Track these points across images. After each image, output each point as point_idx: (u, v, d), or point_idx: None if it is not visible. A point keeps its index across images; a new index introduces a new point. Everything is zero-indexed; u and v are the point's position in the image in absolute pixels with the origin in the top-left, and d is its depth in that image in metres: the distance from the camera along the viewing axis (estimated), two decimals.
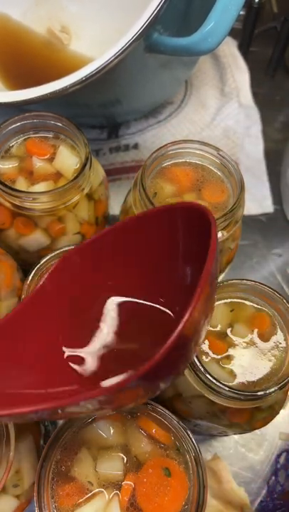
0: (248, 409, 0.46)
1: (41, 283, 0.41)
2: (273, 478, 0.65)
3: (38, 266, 0.48)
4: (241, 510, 0.58)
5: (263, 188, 0.88)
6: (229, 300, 0.49)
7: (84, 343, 0.43)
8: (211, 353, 0.46)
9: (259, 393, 0.41)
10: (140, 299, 0.44)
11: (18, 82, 0.73)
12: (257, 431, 0.68)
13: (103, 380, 0.39)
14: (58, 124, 0.58)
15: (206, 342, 0.46)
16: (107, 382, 0.39)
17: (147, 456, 0.43)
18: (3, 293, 0.54)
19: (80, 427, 0.44)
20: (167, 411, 0.44)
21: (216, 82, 0.97)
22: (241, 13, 1.07)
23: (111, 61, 0.54)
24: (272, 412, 0.48)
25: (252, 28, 1.01)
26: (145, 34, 0.53)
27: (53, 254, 0.49)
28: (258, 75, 1.03)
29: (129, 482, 0.42)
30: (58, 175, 0.56)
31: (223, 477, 0.59)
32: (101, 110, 0.78)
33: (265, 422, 0.49)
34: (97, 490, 0.41)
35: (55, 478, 0.42)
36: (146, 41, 0.58)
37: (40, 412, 0.32)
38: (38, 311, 0.40)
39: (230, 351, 0.46)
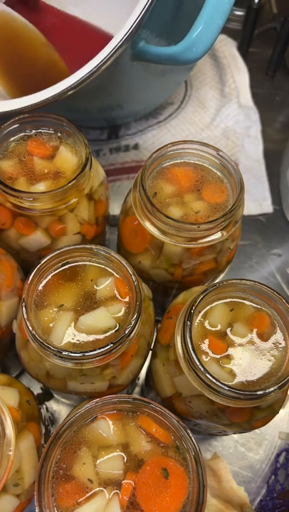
0: (248, 409, 0.46)
1: None
2: (273, 477, 0.65)
3: (38, 266, 0.48)
4: (241, 510, 0.58)
5: (263, 188, 0.88)
6: (229, 300, 0.49)
7: None
8: (210, 352, 0.46)
9: (258, 393, 0.42)
10: None
11: (19, 81, 0.73)
12: (257, 430, 0.68)
13: None
14: (59, 124, 0.58)
15: (206, 341, 0.46)
16: None
17: (147, 455, 0.43)
18: (3, 293, 0.54)
19: (80, 426, 0.44)
20: (167, 410, 0.44)
21: (216, 83, 0.97)
22: (241, 13, 1.08)
23: (96, 69, 0.55)
24: (272, 411, 0.48)
25: (251, 29, 1.01)
26: (130, 41, 0.53)
27: (54, 254, 0.49)
28: (258, 75, 1.04)
29: (129, 481, 0.42)
30: (58, 175, 0.56)
31: (222, 476, 0.59)
32: (101, 114, 0.79)
33: (265, 421, 0.49)
34: (97, 489, 0.41)
35: (56, 477, 0.42)
36: (132, 49, 0.58)
37: None
38: None
39: (230, 351, 0.46)
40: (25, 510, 0.47)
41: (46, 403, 0.69)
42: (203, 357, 0.46)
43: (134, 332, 0.45)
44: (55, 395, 0.69)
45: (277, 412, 0.49)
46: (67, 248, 0.49)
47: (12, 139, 0.58)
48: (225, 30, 0.56)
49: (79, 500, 0.41)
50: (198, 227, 0.49)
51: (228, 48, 1.00)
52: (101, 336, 0.46)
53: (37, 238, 0.57)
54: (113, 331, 0.46)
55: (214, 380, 0.42)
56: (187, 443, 0.43)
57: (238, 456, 0.67)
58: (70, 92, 0.56)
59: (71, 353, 0.43)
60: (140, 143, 0.89)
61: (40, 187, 0.55)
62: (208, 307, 0.48)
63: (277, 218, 0.88)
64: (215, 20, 0.53)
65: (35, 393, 0.57)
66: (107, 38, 0.68)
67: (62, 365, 0.44)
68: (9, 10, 0.73)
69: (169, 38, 0.63)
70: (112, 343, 0.43)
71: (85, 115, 0.77)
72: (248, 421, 0.47)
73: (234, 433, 0.65)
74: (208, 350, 0.46)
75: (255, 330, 0.47)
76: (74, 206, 0.57)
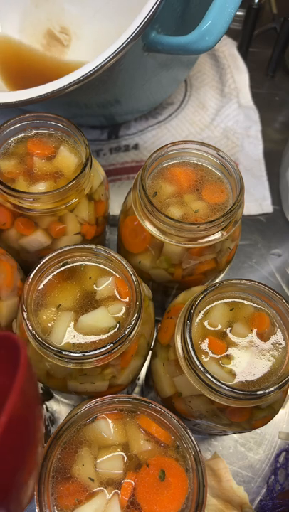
0: (248, 409, 0.46)
1: None
2: (273, 477, 0.65)
3: (38, 266, 0.49)
4: (241, 509, 0.58)
5: (263, 188, 0.88)
6: (229, 300, 0.49)
7: None
8: (210, 352, 0.46)
9: (258, 392, 0.42)
10: None
11: (21, 86, 0.73)
12: (256, 430, 0.68)
13: None
14: (59, 124, 0.58)
15: (206, 341, 0.46)
16: None
17: (147, 455, 0.43)
18: (3, 292, 0.54)
19: (80, 426, 0.44)
20: (167, 410, 0.44)
21: (216, 83, 0.97)
22: (241, 14, 1.08)
23: (109, 60, 0.54)
24: (272, 411, 0.48)
25: (251, 29, 1.02)
26: (142, 33, 0.54)
27: (54, 254, 0.49)
28: (258, 75, 1.04)
29: (129, 481, 0.42)
30: (58, 175, 0.56)
31: (222, 476, 0.59)
32: (101, 110, 0.78)
33: (265, 421, 0.49)
34: (97, 489, 0.42)
35: (56, 477, 0.42)
36: (144, 40, 0.58)
37: None
38: None
39: (230, 351, 0.46)
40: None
41: (46, 403, 0.69)
42: (203, 357, 0.46)
43: (134, 332, 0.45)
44: (55, 395, 0.69)
45: (277, 412, 0.49)
46: (67, 248, 0.49)
47: (12, 139, 0.58)
48: None
49: (79, 500, 0.41)
50: (198, 227, 0.50)
51: (228, 48, 1.00)
52: (101, 336, 0.46)
53: (37, 238, 0.57)
54: (113, 330, 0.46)
55: (214, 380, 0.42)
56: (187, 443, 0.43)
57: (238, 456, 0.67)
58: (85, 81, 0.56)
59: (71, 352, 0.43)
60: (140, 143, 0.89)
61: (40, 187, 0.55)
62: (208, 307, 0.48)
63: (277, 218, 0.88)
64: (227, 9, 0.53)
65: None
66: None
67: (62, 365, 0.44)
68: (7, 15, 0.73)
69: (180, 28, 0.63)
70: (112, 343, 0.43)
71: (85, 110, 0.77)
72: (248, 421, 0.48)
73: (234, 433, 0.65)
74: (208, 350, 0.46)
75: (255, 330, 0.47)
76: (74, 206, 0.57)
